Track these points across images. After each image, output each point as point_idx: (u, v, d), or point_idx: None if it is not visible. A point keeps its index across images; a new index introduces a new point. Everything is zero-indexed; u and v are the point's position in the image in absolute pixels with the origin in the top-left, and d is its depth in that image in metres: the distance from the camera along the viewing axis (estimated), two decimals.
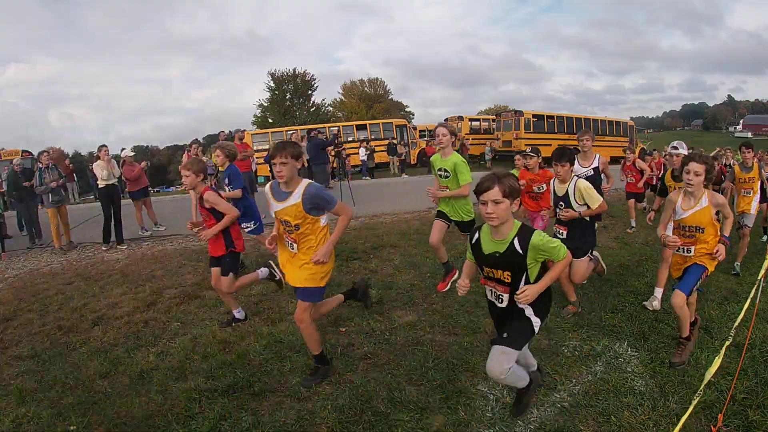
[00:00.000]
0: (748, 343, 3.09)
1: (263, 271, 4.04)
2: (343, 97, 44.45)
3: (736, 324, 2.99)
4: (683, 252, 3.16)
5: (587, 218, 3.76)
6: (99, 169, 7.26)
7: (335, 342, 3.44)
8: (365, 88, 44.63)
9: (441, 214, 4.30)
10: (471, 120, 26.05)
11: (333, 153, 12.92)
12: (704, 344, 3.23)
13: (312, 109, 39.87)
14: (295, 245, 2.78)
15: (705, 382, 2.37)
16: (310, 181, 2.77)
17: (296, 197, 2.68)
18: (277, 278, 4.04)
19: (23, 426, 2.66)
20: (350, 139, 21.23)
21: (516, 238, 2.15)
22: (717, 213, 3.09)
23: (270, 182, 2.89)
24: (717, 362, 2.45)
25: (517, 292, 2.14)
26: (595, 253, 4.06)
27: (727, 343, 2.76)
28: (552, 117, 22.94)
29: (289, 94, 40.50)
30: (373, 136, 21.26)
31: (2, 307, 4.77)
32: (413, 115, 49.27)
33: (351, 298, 3.72)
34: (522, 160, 5.06)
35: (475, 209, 3.73)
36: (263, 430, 2.48)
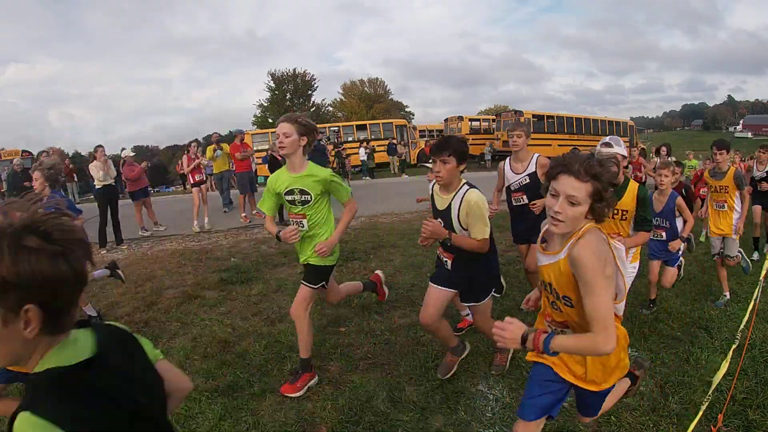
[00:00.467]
0: (748, 343, 3.09)
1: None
2: (343, 97, 44.53)
3: (741, 327, 2.99)
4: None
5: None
6: (95, 169, 7.15)
7: (335, 342, 3.44)
8: (365, 88, 44.67)
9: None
10: (471, 120, 26.06)
11: (333, 153, 12.92)
12: (704, 344, 3.24)
13: (312, 109, 39.86)
14: None
15: (713, 386, 2.36)
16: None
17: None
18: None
19: None
20: (350, 139, 21.26)
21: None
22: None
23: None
24: (725, 366, 2.44)
25: None
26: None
27: (734, 345, 2.76)
28: (552, 117, 22.96)
29: (289, 94, 40.58)
30: (373, 136, 21.30)
31: None
32: (413, 115, 49.42)
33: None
34: None
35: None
36: (263, 430, 2.48)
